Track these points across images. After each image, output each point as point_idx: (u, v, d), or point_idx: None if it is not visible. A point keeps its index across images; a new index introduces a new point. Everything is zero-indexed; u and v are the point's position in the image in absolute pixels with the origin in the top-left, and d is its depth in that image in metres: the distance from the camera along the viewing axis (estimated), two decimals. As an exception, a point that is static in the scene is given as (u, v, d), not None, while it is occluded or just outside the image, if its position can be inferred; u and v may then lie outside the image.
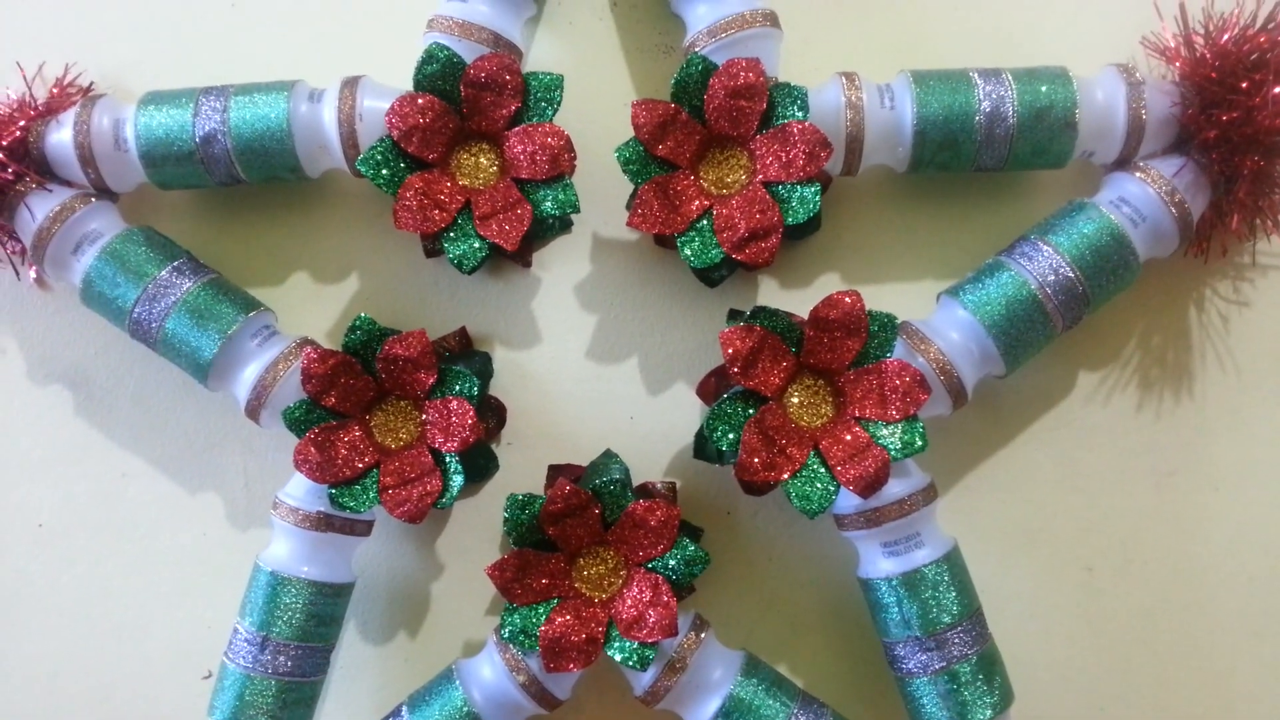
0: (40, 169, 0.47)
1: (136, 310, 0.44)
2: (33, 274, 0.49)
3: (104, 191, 0.48)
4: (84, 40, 0.51)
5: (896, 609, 0.43)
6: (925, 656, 0.42)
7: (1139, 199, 0.44)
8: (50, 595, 0.51)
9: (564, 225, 0.47)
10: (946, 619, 0.42)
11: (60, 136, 0.46)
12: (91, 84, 0.50)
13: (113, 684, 0.51)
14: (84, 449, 0.51)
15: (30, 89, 0.49)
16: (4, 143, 0.46)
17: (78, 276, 0.46)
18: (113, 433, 0.51)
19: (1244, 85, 0.43)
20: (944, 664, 0.43)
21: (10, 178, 0.45)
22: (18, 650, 0.51)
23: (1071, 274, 0.43)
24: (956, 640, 0.43)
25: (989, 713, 0.42)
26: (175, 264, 0.45)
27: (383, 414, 0.45)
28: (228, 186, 0.48)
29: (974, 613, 0.43)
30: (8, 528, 0.51)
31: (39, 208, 0.46)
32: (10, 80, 0.50)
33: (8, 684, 0.51)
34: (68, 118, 0.46)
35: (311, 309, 0.51)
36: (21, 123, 0.46)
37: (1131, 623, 0.50)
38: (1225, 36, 0.44)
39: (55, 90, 0.49)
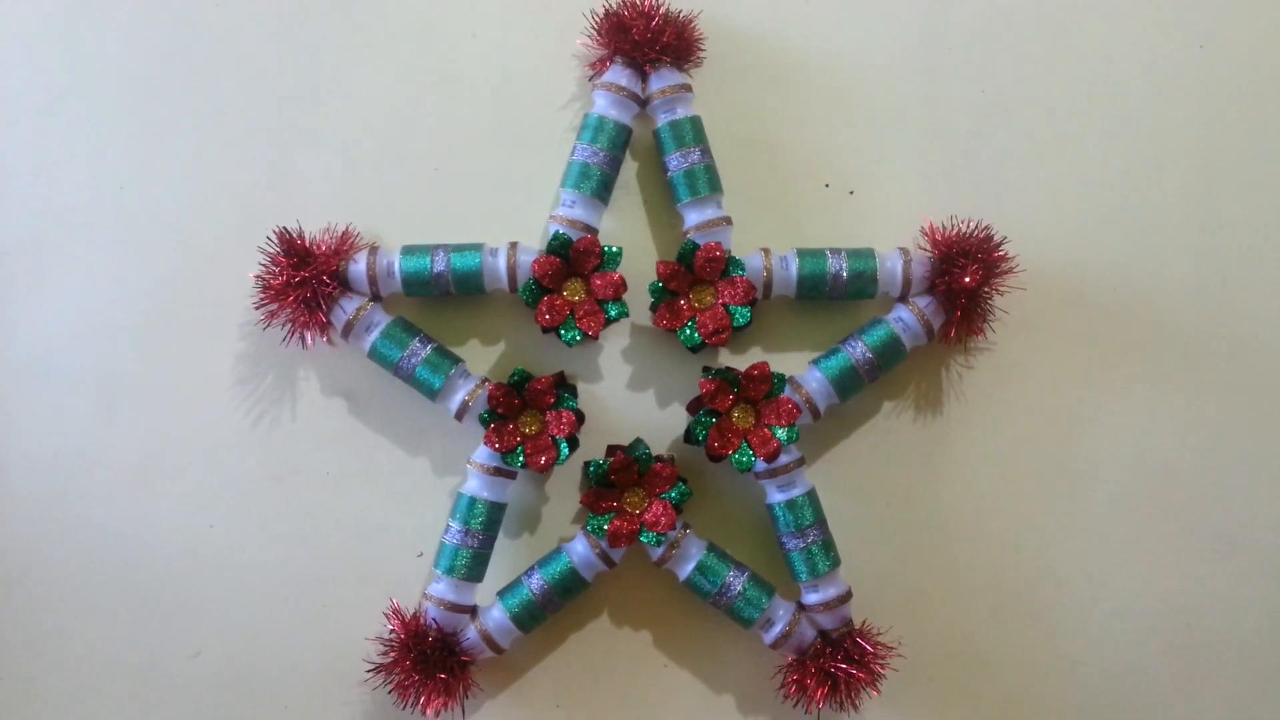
0: (344, 284, 0.76)
1: (400, 363, 0.74)
2: (325, 338, 0.76)
3: (376, 296, 0.76)
4: (354, 206, 0.78)
5: (783, 518, 0.73)
6: (796, 540, 0.73)
7: (907, 318, 0.74)
8: (332, 511, 0.78)
9: (619, 319, 0.74)
10: (806, 522, 0.73)
11: (357, 268, 0.75)
12: (359, 233, 0.77)
13: (367, 559, 0.78)
14: (353, 434, 0.78)
15: (332, 240, 0.75)
16: (332, 270, 0.74)
17: (367, 343, 0.74)
18: (369, 424, 0.79)
19: (961, 263, 0.73)
20: (804, 544, 0.73)
21: (332, 290, 0.75)
22: (318, 539, 0.78)
23: (871, 356, 0.74)
24: (811, 534, 0.73)
25: (826, 567, 0.73)
26: (419, 337, 0.75)
27: (526, 417, 0.74)
28: (441, 296, 0.77)
29: (821, 520, 0.74)
30: (308, 476, 0.78)
31: (348, 306, 0.75)
32: (308, 235, 0.76)
33: (319, 553, 0.78)
34: (361, 258, 0.75)
35: (483, 360, 0.78)
36: (337, 261, 0.76)
37: (907, 527, 0.77)
38: (953, 235, 0.75)
39: (344, 239, 0.76)
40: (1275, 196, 0.82)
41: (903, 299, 0.77)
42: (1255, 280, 0.81)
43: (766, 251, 0.76)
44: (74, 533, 0.81)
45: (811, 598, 0.75)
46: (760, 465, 0.75)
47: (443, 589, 0.76)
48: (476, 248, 0.77)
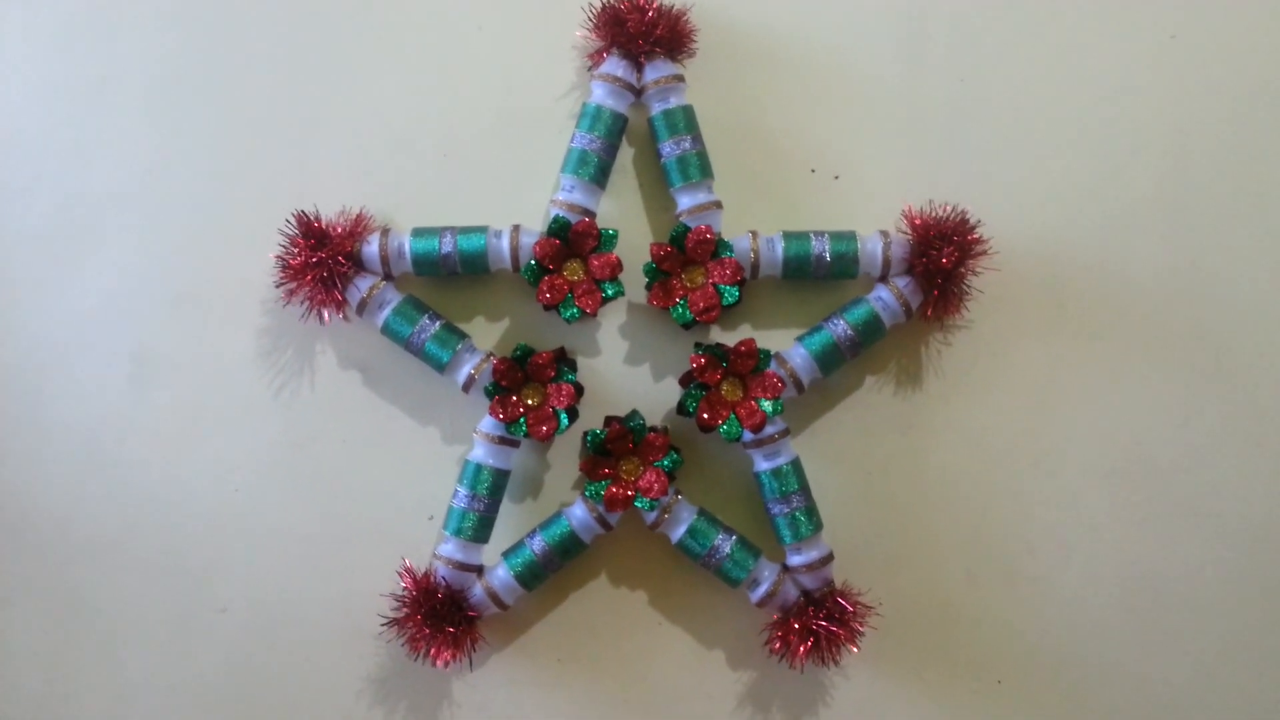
0: (358, 264, 0.80)
1: (411, 338, 0.78)
2: (341, 314, 0.80)
3: (388, 276, 0.80)
4: (367, 191, 0.82)
5: (769, 485, 0.76)
6: (780, 506, 0.76)
7: (887, 297, 0.77)
8: (348, 476, 0.81)
9: (615, 297, 0.78)
10: (791, 489, 0.76)
11: (370, 249, 0.78)
12: (372, 216, 0.81)
13: (381, 521, 0.81)
14: (367, 404, 0.82)
15: (347, 222, 0.78)
16: (347, 251, 0.79)
17: (380, 320, 0.78)
18: (382, 395, 0.82)
19: (938, 245, 0.76)
20: (789, 509, 0.76)
21: (347, 269, 0.80)
22: (335, 502, 0.81)
23: (852, 333, 0.77)
24: (795, 500, 0.76)
25: (809, 531, 0.76)
26: (428, 314, 0.78)
27: (528, 389, 0.77)
28: (449, 275, 0.81)
29: (805, 487, 0.77)
30: (326, 443, 0.81)
31: (361, 284, 0.78)
32: (325, 218, 0.79)
33: (337, 515, 0.81)
34: (374, 239, 0.78)
35: (488, 336, 0.81)
36: (352, 242, 0.80)
37: (886, 495, 0.80)
38: (930, 219, 0.77)
39: (358, 221, 0.80)
40: (1242, 183, 0.85)
41: (883, 279, 0.80)
42: (1222, 263, 0.84)
43: (754, 234, 0.80)
44: (109, 496, 0.86)
45: (795, 559, 0.79)
46: (747, 435, 0.78)
47: (451, 549, 0.79)
48: (481, 230, 0.80)
